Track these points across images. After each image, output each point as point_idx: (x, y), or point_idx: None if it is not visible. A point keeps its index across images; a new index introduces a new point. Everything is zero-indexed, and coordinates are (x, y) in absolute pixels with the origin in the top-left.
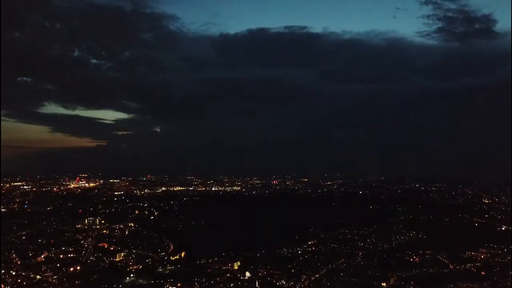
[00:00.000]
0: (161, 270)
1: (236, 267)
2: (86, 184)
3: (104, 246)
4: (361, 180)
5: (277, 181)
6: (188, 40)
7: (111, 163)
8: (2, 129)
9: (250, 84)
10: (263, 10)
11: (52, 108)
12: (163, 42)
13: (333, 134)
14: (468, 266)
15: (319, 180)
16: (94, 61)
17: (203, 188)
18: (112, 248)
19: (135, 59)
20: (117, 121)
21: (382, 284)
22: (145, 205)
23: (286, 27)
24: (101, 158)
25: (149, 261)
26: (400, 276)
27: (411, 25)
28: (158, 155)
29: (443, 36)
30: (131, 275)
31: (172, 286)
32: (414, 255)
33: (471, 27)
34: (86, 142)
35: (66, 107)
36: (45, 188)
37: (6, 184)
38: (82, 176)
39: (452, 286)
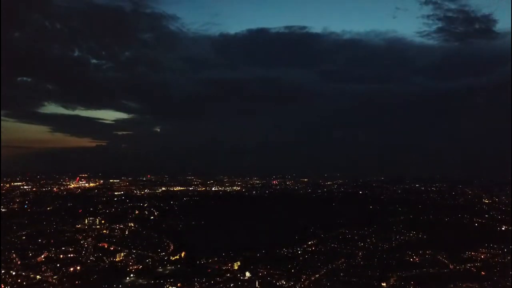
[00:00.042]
0: (161, 270)
1: (236, 267)
2: (86, 184)
3: (104, 246)
4: (361, 180)
5: (277, 181)
6: (188, 40)
7: (111, 163)
8: (2, 129)
9: (250, 84)
10: (263, 10)
11: (52, 108)
12: (163, 42)
13: (333, 134)
14: (468, 266)
15: (319, 180)
16: (94, 61)
17: (203, 188)
18: (112, 248)
19: (135, 59)
20: (117, 121)
21: (382, 284)
22: (145, 205)
23: (286, 27)
24: (101, 158)
25: (149, 261)
26: (400, 276)
27: (411, 25)
28: (158, 155)
29: (443, 36)
30: (131, 275)
31: (172, 286)
32: (414, 255)
33: (471, 27)
34: (86, 142)
35: (66, 107)
36: (45, 188)
37: (6, 184)
38: (82, 176)
39: (452, 286)
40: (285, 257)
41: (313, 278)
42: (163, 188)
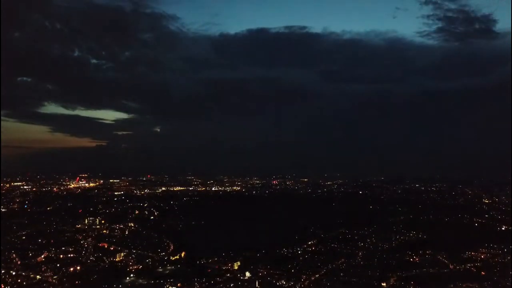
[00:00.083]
0: (161, 270)
1: (236, 267)
2: (86, 184)
3: (104, 246)
4: (361, 180)
5: (277, 181)
6: (188, 40)
7: (111, 163)
8: (2, 129)
9: (250, 84)
10: (263, 10)
11: (52, 108)
12: (163, 42)
13: (333, 134)
14: (468, 266)
15: (319, 180)
16: (94, 61)
17: (203, 188)
18: (112, 248)
19: (135, 59)
20: (117, 121)
21: (382, 284)
22: (145, 205)
23: (286, 27)
24: (101, 158)
25: (149, 261)
26: (400, 276)
27: (411, 25)
28: (158, 155)
29: (443, 36)
30: (131, 275)
31: (172, 286)
32: (414, 255)
33: (471, 27)
34: (86, 142)
35: (66, 107)
36: (45, 188)
37: (6, 184)
38: (82, 176)
39: (452, 286)
40: (285, 257)
41: (313, 278)
42: (163, 188)
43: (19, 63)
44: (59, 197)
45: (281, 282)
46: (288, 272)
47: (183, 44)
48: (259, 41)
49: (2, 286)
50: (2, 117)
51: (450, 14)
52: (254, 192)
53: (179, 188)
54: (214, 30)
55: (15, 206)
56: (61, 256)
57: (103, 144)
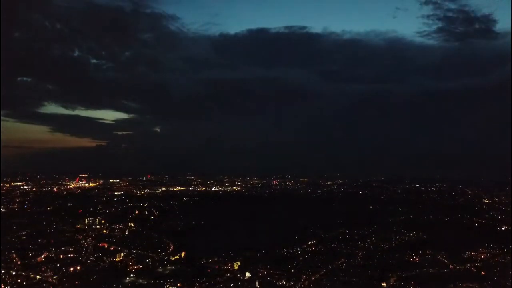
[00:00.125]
0: (161, 270)
1: (236, 267)
2: (86, 184)
3: (104, 246)
4: (361, 180)
5: (277, 181)
6: (188, 40)
7: (111, 163)
8: (2, 129)
9: (250, 84)
10: (263, 10)
11: (52, 108)
12: (163, 42)
13: (333, 134)
14: (468, 266)
15: (319, 180)
16: (94, 61)
17: (203, 188)
18: (112, 248)
19: (135, 59)
20: (117, 121)
21: (382, 284)
22: (145, 205)
23: (286, 27)
24: (101, 158)
25: (149, 261)
26: (400, 276)
27: (411, 25)
28: (158, 155)
29: (443, 36)
30: (131, 275)
31: (172, 286)
32: (414, 255)
33: (471, 27)
34: (86, 142)
35: (66, 107)
36: (45, 188)
37: (6, 184)
38: (82, 176)
39: (452, 286)
40: (285, 257)
41: (313, 278)
42: (163, 188)
43: (19, 63)
44: (59, 197)
45: (281, 282)
46: (288, 272)
47: (183, 44)
48: (259, 41)
49: (2, 286)
50: (2, 117)
51: (450, 14)
52: (254, 192)
53: (179, 188)
54: (214, 30)
55: (15, 206)
56: (61, 256)
57: (103, 144)
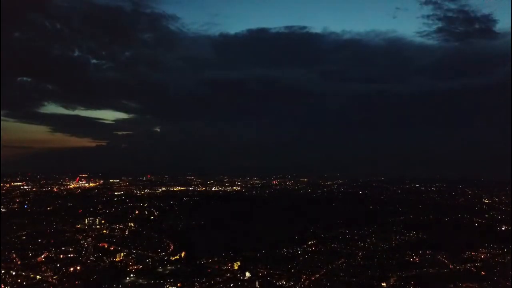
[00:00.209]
0: (161, 270)
1: (236, 267)
2: (86, 184)
3: (104, 246)
4: (361, 180)
5: (277, 181)
6: (188, 40)
7: (111, 163)
8: (2, 129)
9: (250, 84)
10: (263, 10)
11: (52, 108)
12: (163, 42)
13: (334, 134)
14: (468, 266)
15: (319, 180)
16: (94, 61)
17: (203, 188)
18: (112, 248)
19: (135, 59)
20: (117, 121)
21: (382, 284)
22: (145, 205)
23: (286, 27)
24: (101, 158)
25: (149, 261)
26: (400, 276)
27: (411, 25)
28: (158, 155)
29: (443, 36)
30: (131, 275)
31: (172, 286)
32: (414, 255)
33: (471, 27)
34: (86, 142)
35: (66, 107)
36: (45, 188)
37: (6, 184)
38: (82, 176)
39: (452, 286)
40: (285, 257)
41: (313, 278)
42: (163, 188)
43: (19, 63)
44: (59, 197)
45: (281, 282)
46: (288, 272)
47: (183, 44)
48: (259, 41)
49: (2, 286)
50: (2, 117)
51: (450, 14)
52: (254, 192)
53: (179, 188)
54: (214, 30)
55: (15, 206)
56: (61, 256)
57: (103, 144)
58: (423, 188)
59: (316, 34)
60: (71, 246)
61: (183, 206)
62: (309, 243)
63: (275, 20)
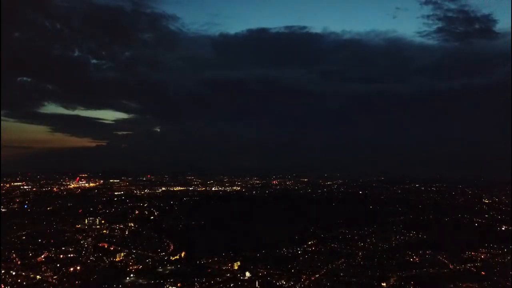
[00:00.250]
0: (161, 270)
1: (236, 267)
2: (86, 184)
3: (104, 246)
4: (361, 180)
5: (277, 181)
6: (188, 40)
7: (111, 163)
8: (2, 129)
9: (250, 84)
10: (263, 10)
11: (52, 108)
12: (163, 42)
13: (333, 134)
14: (468, 266)
15: (319, 180)
16: (94, 61)
17: (203, 188)
18: (112, 248)
19: (135, 59)
20: (117, 121)
21: (382, 284)
22: (145, 205)
23: (286, 27)
24: (101, 158)
25: (149, 261)
26: (400, 276)
27: (411, 25)
28: (158, 155)
29: (443, 36)
30: (131, 275)
31: (172, 286)
32: (414, 255)
33: (471, 27)
34: (86, 142)
35: (66, 107)
36: (45, 188)
37: (6, 184)
38: (82, 176)
39: (452, 286)
40: (285, 257)
41: (313, 278)
42: (163, 188)
43: (19, 63)
44: (59, 197)
45: (281, 282)
46: (288, 272)
47: (183, 44)
48: (259, 41)
49: (2, 286)
50: (2, 117)
51: (450, 14)
52: (254, 192)
53: (179, 188)
54: (214, 30)
55: (15, 206)
56: (61, 256)
57: (103, 144)
58: (423, 188)
59: (316, 34)
60: (71, 246)
61: (183, 206)
62: (309, 243)
63: (275, 20)
